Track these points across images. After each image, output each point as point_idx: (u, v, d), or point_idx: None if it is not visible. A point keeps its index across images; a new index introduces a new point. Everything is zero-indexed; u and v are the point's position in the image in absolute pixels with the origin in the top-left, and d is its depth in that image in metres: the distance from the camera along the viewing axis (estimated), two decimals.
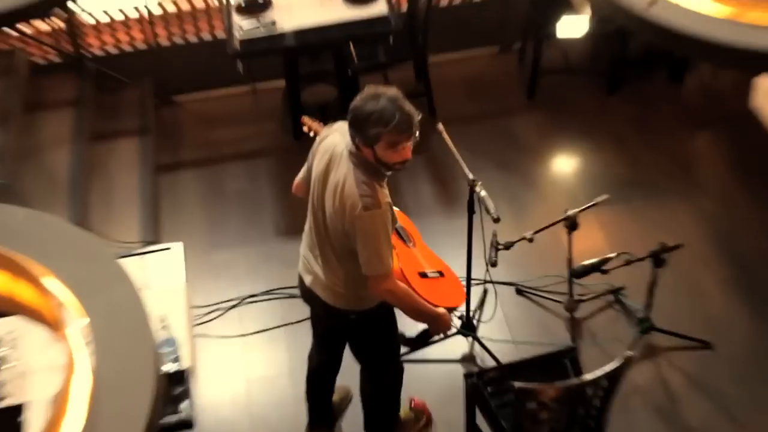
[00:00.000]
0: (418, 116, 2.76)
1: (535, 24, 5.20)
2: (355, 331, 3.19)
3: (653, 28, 3.36)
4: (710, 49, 3.24)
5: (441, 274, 3.33)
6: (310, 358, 3.54)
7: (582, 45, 5.53)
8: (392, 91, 2.73)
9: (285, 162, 5.00)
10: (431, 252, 3.43)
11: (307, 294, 3.17)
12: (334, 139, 2.92)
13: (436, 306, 3.08)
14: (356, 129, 2.75)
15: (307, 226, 3.10)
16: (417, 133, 2.78)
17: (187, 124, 5.32)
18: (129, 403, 2.55)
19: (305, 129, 3.53)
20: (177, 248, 3.70)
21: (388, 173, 2.86)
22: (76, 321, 2.78)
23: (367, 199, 2.76)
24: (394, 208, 2.93)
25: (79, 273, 2.95)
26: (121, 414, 2.52)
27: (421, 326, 3.73)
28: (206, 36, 5.33)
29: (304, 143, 5.02)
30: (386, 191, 2.85)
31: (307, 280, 3.12)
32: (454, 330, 3.64)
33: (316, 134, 3.53)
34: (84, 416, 2.48)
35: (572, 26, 4.91)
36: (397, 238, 3.30)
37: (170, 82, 5.38)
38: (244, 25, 4.58)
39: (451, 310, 3.18)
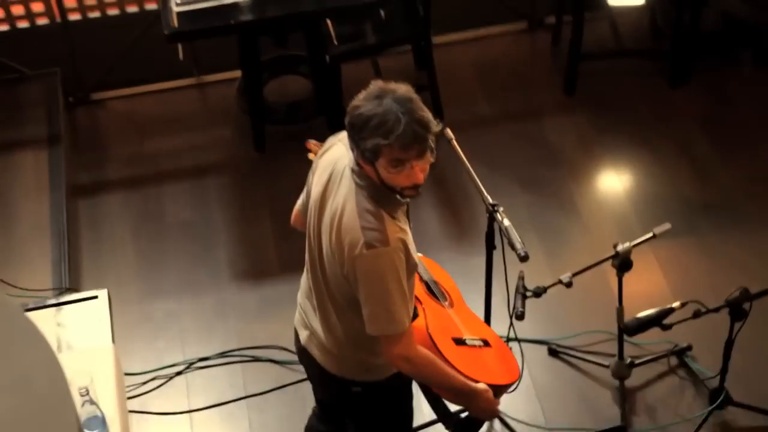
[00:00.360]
0: (436, 126, 2.79)
1: None
2: (357, 406, 3.33)
3: None
4: None
5: (486, 343, 3.43)
6: (309, 429, 3.73)
7: (637, 18, 5.79)
8: (403, 89, 2.79)
9: (243, 181, 5.23)
10: (474, 316, 3.56)
11: (301, 354, 3.33)
12: (337, 151, 3.04)
13: (476, 381, 3.14)
14: (353, 138, 2.80)
15: (305, 267, 3.22)
16: (433, 150, 2.80)
17: (112, 131, 5.54)
18: None
19: (312, 156, 3.45)
20: (102, 297, 3.91)
21: (404, 200, 2.91)
22: None
23: (371, 233, 2.80)
24: (423, 257, 3.03)
25: None
26: None
27: None
28: (132, 8, 5.54)
29: (270, 156, 5.30)
30: (402, 224, 2.89)
31: (303, 336, 3.27)
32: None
33: None
34: None
35: None
36: (427, 294, 3.43)
37: (86, 74, 5.58)
38: None
39: (499, 389, 3.25)
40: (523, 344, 4.33)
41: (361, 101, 2.79)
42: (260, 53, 5.12)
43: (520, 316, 3.78)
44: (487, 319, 4.01)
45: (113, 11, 5.55)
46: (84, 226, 5.05)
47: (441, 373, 3.07)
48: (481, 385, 3.13)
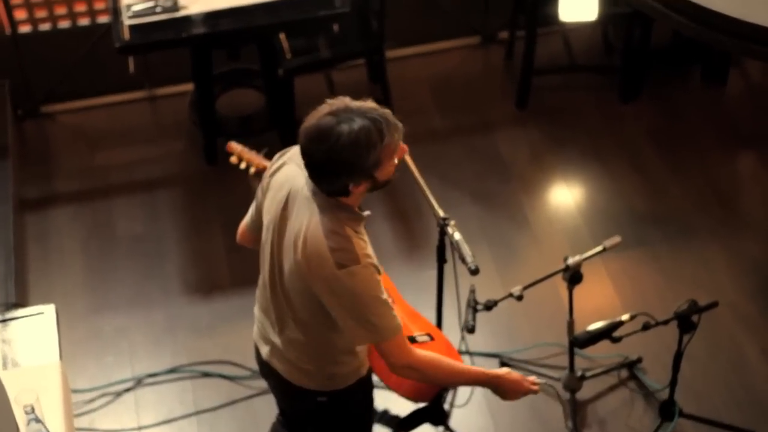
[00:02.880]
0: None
1: (527, 4, 5.44)
2: (323, 416, 3.36)
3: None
4: (761, 38, 3.31)
5: (431, 337, 3.52)
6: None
7: (589, 34, 5.84)
8: (341, 101, 2.83)
9: (195, 195, 5.21)
10: (412, 309, 3.61)
11: (264, 367, 3.35)
12: (290, 171, 3.06)
13: None
14: (335, 174, 2.80)
15: (260, 282, 3.24)
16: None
17: (61, 144, 5.49)
18: None
19: (233, 159, 3.70)
20: (49, 313, 3.87)
21: (366, 213, 2.97)
22: None
23: (340, 253, 2.85)
24: None
25: None
26: None
27: (411, 405, 3.96)
28: (84, 21, 5.50)
29: (221, 169, 5.28)
30: (365, 238, 2.94)
31: (264, 351, 3.29)
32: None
33: (249, 166, 3.69)
34: None
35: (579, 7, 5.10)
36: None
37: (35, 86, 5.54)
38: (134, 5, 4.74)
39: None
40: (475, 357, 4.36)
41: (322, 135, 2.76)
42: (213, 66, 5.11)
43: (471, 330, 3.80)
44: None
45: (64, 23, 5.51)
46: (31, 240, 5.01)
47: (452, 372, 3.11)
48: (503, 370, 3.18)
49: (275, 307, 3.14)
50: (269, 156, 3.58)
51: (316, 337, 3.10)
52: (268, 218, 3.07)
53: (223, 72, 5.45)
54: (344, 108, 2.80)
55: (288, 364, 3.21)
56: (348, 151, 2.76)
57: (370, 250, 2.93)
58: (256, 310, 3.31)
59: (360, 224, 2.95)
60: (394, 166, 2.92)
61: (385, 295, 2.94)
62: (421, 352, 3.05)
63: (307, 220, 2.92)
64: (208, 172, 5.30)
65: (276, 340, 3.20)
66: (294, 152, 3.04)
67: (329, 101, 2.84)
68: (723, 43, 3.64)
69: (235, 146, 3.69)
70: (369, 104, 2.83)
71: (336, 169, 2.81)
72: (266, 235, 3.09)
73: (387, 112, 2.84)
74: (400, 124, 2.86)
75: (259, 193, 3.16)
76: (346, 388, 3.24)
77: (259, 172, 3.59)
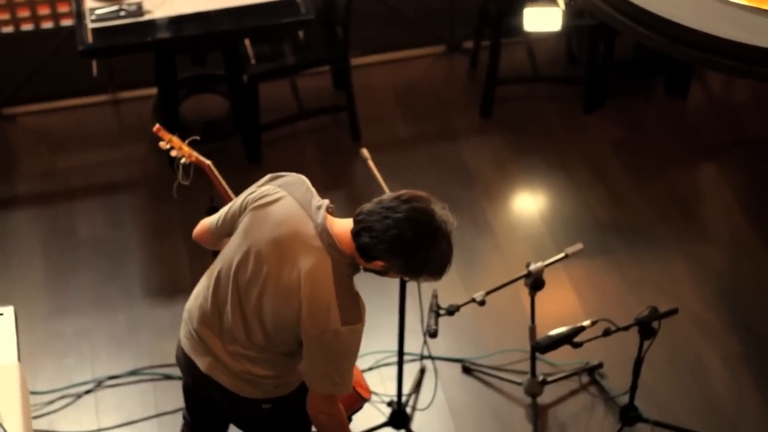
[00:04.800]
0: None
1: (492, 15, 5.50)
2: (267, 422, 3.38)
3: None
4: (724, 51, 3.39)
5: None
6: None
7: (554, 45, 5.91)
8: (445, 217, 2.91)
9: (157, 198, 5.21)
10: None
11: (202, 381, 3.31)
12: (293, 210, 3.02)
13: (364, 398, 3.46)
14: (405, 266, 2.94)
15: (203, 293, 3.24)
16: None
17: (22, 146, 5.49)
18: None
19: (163, 144, 3.81)
20: (8, 314, 3.85)
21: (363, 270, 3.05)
22: None
23: (348, 311, 2.95)
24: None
25: None
26: None
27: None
28: (47, 24, 5.49)
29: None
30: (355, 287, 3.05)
31: (203, 364, 3.27)
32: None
33: (179, 154, 3.85)
34: None
35: (543, 18, 5.18)
36: None
37: None
38: (98, 9, 4.76)
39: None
40: (437, 362, 4.39)
41: (412, 238, 2.87)
42: (177, 71, 5.11)
43: (434, 334, 3.83)
44: (401, 336, 4.03)
45: (27, 26, 5.49)
46: None
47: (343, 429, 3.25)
48: None
49: (234, 325, 3.14)
50: (195, 146, 3.87)
51: (272, 356, 3.17)
52: (249, 242, 3.06)
53: (187, 77, 5.44)
54: (448, 222, 2.92)
55: (233, 377, 3.22)
56: (428, 261, 2.91)
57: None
58: (195, 324, 3.27)
59: (355, 274, 3.03)
60: None
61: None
62: (340, 406, 3.20)
63: (314, 269, 2.95)
64: (170, 177, 5.17)
65: (219, 352, 3.22)
66: (291, 183, 3.07)
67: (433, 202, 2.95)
68: (687, 55, 3.69)
69: (163, 130, 3.75)
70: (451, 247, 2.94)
71: (407, 262, 2.93)
72: (240, 256, 3.08)
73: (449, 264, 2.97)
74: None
75: (238, 206, 3.14)
76: (289, 393, 3.29)
77: (185, 159, 3.86)
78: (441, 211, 2.91)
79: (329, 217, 3.01)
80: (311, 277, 2.95)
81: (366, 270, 3.02)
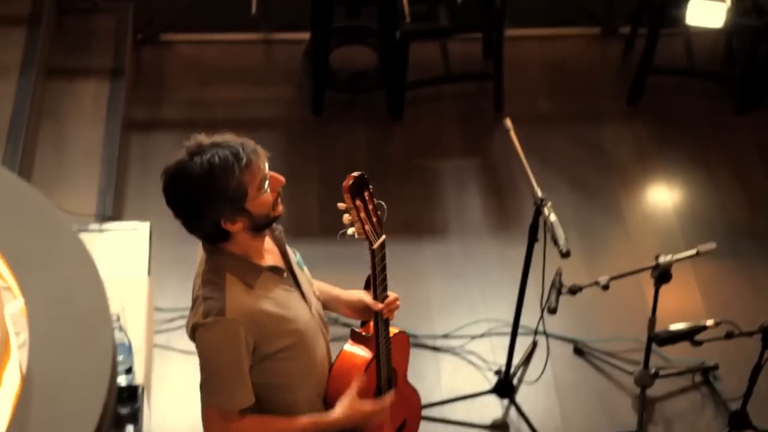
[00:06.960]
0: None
1: (653, 3, 5.43)
2: None
3: None
4: None
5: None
6: None
7: (713, 40, 5.81)
8: (195, 140, 2.71)
9: (297, 141, 5.31)
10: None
11: None
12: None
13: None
14: (198, 210, 2.67)
15: None
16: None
17: (174, 73, 5.64)
18: (66, 418, 2.81)
19: (346, 218, 2.79)
20: (143, 230, 4.01)
21: (266, 266, 2.79)
22: (9, 303, 3.07)
23: (210, 302, 2.70)
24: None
25: (25, 241, 3.27)
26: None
27: None
28: None
29: (325, 120, 5.37)
30: (259, 292, 2.74)
31: None
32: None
33: (351, 221, 2.80)
34: (3, 426, 2.74)
35: (707, 12, 5.11)
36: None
37: (158, 14, 5.70)
38: None
39: None
40: (550, 339, 4.39)
41: (182, 176, 2.68)
42: (333, 19, 5.20)
43: (553, 311, 3.83)
44: (519, 308, 4.06)
45: None
46: (134, 159, 5.16)
47: None
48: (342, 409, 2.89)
49: None
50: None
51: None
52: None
53: (341, 26, 5.53)
54: (197, 145, 2.70)
55: None
56: (204, 180, 2.64)
57: (262, 306, 2.73)
58: None
59: (256, 277, 2.76)
60: (273, 197, 2.74)
61: (242, 362, 2.73)
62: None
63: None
64: (312, 122, 5.40)
65: None
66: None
67: (185, 143, 2.73)
68: None
69: (349, 198, 2.77)
70: (225, 136, 2.73)
71: (198, 203, 2.67)
72: None
73: (246, 140, 2.72)
74: (262, 150, 2.73)
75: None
76: None
77: (352, 231, 2.83)
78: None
79: None
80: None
81: (243, 262, 2.76)
